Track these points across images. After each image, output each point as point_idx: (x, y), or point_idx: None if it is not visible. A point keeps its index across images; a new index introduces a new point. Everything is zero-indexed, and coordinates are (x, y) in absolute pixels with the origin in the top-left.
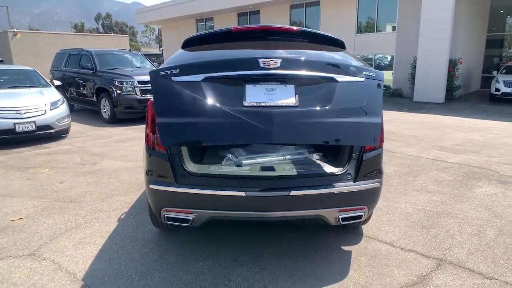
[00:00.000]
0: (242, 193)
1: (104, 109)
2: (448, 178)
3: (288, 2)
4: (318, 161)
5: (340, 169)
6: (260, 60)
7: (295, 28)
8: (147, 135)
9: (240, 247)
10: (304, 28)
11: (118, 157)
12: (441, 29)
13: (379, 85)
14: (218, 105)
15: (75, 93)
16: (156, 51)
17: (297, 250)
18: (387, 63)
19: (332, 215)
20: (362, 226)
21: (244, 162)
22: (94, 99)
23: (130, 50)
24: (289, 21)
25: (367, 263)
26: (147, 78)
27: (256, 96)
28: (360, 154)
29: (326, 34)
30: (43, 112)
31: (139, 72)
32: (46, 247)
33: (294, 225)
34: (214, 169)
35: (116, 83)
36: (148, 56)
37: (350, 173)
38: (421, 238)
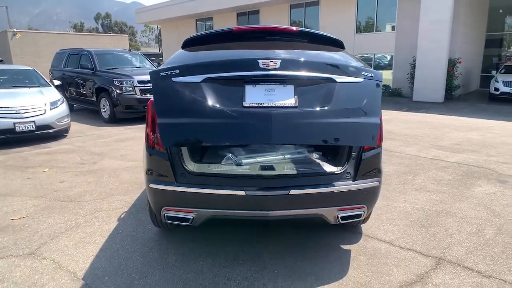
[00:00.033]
0: (242, 192)
1: (104, 108)
2: (447, 177)
3: (287, 2)
4: (318, 160)
5: (340, 168)
6: (260, 61)
7: (294, 28)
8: (147, 135)
9: (240, 246)
10: (303, 29)
11: (118, 157)
12: (440, 29)
13: (377, 85)
14: (218, 105)
15: (74, 93)
16: (155, 50)
17: (296, 249)
18: (387, 62)
19: (331, 214)
20: (361, 225)
21: (244, 161)
22: (94, 98)
23: (129, 50)
24: (288, 21)
25: (366, 262)
26: (146, 77)
27: (256, 96)
28: (359, 153)
29: (325, 34)
30: (43, 111)
31: (139, 72)
32: (46, 246)
33: (294, 224)
34: (214, 168)
35: (116, 83)
36: (148, 55)
37: (349, 172)
38: (420, 237)
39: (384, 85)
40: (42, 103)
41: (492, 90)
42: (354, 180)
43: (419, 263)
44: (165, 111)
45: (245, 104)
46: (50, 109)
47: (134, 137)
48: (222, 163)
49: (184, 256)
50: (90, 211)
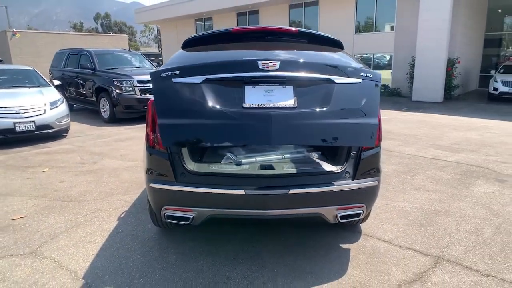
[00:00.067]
0: (242, 192)
1: (104, 108)
2: (446, 176)
3: (287, 2)
4: (317, 160)
5: (339, 167)
6: (259, 62)
7: (293, 29)
8: (147, 134)
9: (240, 246)
10: (302, 29)
11: (118, 156)
12: (439, 29)
13: (376, 86)
14: (218, 106)
15: (74, 93)
16: (155, 50)
17: (296, 248)
18: (386, 62)
19: (330, 213)
20: (360, 224)
21: (243, 160)
22: (94, 98)
23: (129, 49)
24: (288, 21)
25: (366, 261)
26: (146, 77)
27: (255, 97)
28: (358, 153)
29: (324, 34)
30: (43, 111)
31: (139, 72)
32: (46, 245)
33: (293, 224)
34: (214, 167)
35: (116, 83)
36: (147, 55)
37: (348, 172)
38: (419, 236)
39: (383, 85)
40: (42, 103)
41: (491, 90)
42: (353, 179)
43: (418, 262)
44: (166, 112)
45: (244, 105)
46: (50, 109)
47: (134, 137)
48: (222, 162)
49: (184, 255)
50: (90, 210)
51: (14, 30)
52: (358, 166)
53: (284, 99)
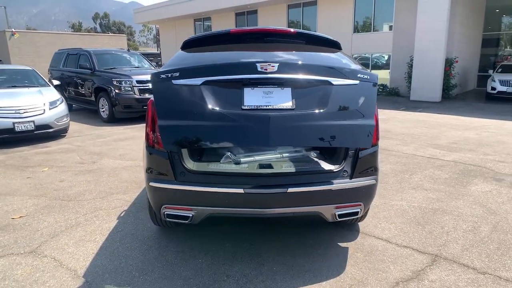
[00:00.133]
0: (241, 190)
1: (103, 108)
2: (443, 175)
3: (285, 2)
4: (315, 159)
5: (337, 166)
6: (258, 64)
7: (292, 30)
8: (147, 134)
9: (239, 244)
10: (300, 30)
11: (117, 156)
12: (437, 29)
13: (373, 87)
14: (217, 108)
15: (73, 93)
16: (154, 50)
17: (294, 246)
18: (384, 62)
19: (329, 211)
20: (358, 223)
21: (242, 159)
22: (93, 98)
23: (128, 49)
24: (286, 21)
25: (364, 259)
26: (145, 77)
27: (254, 99)
28: (356, 152)
29: (323, 35)
30: (42, 111)
31: (138, 72)
32: (47, 244)
33: (292, 222)
34: (213, 166)
35: (115, 83)
36: (146, 55)
37: (346, 171)
38: (417, 235)
39: (382, 85)
40: (41, 103)
41: (489, 89)
42: (351, 178)
43: (416, 260)
44: (166, 113)
45: (243, 107)
46: (49, 109)
47: (133, 136)
48: (221, 161)
49: (183, 253)
50: (90, 210)
51: (13, 30)
52: (356, 165)
53: (282, 100)
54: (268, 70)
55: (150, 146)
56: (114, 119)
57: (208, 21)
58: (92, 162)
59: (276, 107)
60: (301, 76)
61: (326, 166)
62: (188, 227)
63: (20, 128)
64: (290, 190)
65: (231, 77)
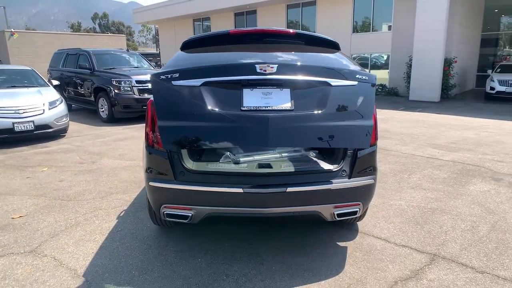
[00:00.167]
0: (240, 190)
1: (102, 108)
2: (442, 175)
3: (284, 2)
4: (314, 158)
5: (335, 166)
6: (257, 66)
7: (291, 31)
8: (147, 134)
9: (238, 243)
10: (299, 31)
11: (117, 156)
12: (436, 29)
13: (371, 88)
14: (217, 109)
15: (73, 93)
16: (153, 50)
17: (294, 246)
18: (383, 62)
19: (327, 211)
20: (357, 222)
21: (241, 159)
22: (92, 98)
23: (127, 49)
24: (285, 21)
25: (362, 258)
26: (144, 77)
27: (253, 100)
28: (355, 151)
29: (321, 36)
30: (42, 111)
31: (137, 72)
32: (47, 244)
33: (291, 222)
34: (212, 166)
35: (114, 83)
36: (145, 55)
37: (345, 170)
38: (415, 234)
39: (381, 85)
40: (41, 103)
41: (488, 89)
42: (349, 177)
43: (414, 259)
44: (166, 114)
45: (243, 108)
46: (49, 109)
47: (133, 136)
48: (220, 161)
49: (183, 253)
50: (90, 209)
51: (12, 30)
52: (355, 165)
53: (281, 102)
54: (267, 71)
55: (150, 146)
56: (113, 119)
57: (207, 21)
58: (92, 162)
59: (275, 108)
60: (300, 77)
61: (325, 165)
62: (187, 226)
63: (20, 128)
64: (289, 189)
65: (230, 78)
